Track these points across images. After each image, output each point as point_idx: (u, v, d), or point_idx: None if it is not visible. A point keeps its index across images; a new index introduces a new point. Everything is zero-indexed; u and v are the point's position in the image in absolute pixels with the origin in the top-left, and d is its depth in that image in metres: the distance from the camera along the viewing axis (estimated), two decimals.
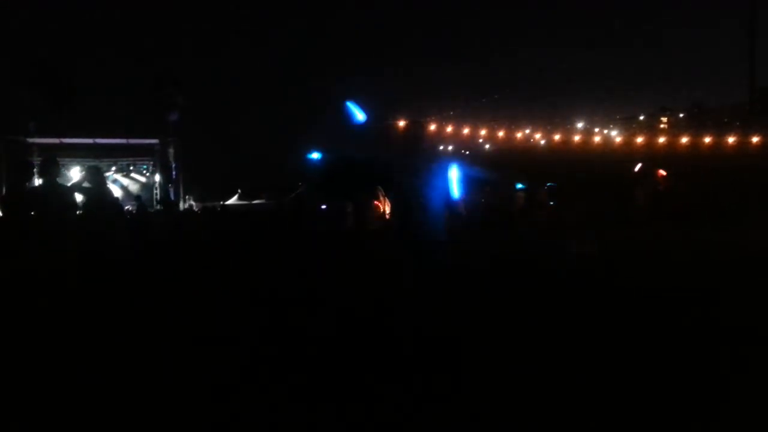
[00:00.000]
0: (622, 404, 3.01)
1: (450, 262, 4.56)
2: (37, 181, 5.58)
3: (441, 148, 25.60)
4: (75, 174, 21.14)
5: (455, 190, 4.28)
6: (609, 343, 4.15)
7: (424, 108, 25.99)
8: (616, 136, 26.21)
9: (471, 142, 26.44)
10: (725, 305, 5.35)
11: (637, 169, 17.78)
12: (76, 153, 23.25)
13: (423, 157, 4.25)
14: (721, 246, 10.41)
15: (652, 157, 22.58)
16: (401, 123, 20.27)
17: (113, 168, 24.65)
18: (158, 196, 23.57)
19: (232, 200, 30.66)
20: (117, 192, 22.18)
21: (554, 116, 26.76)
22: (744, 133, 23.49)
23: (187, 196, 25.91)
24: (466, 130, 26.21)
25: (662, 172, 18.00)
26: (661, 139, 25.31)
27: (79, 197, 5.45)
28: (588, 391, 3.18)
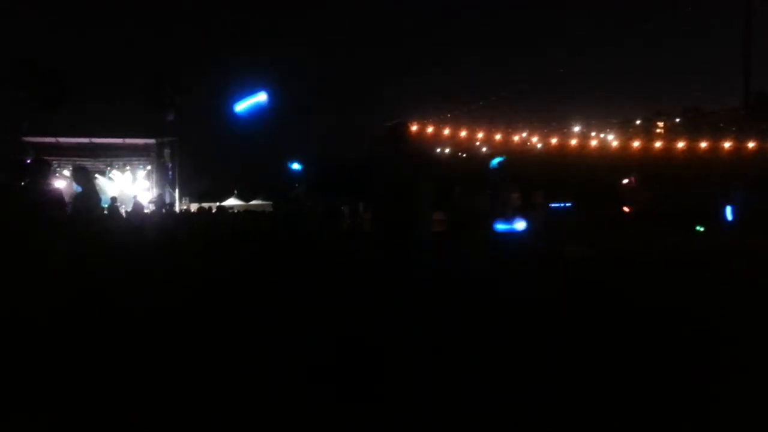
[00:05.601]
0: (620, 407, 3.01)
1: (436, 269, 4.50)
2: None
3: (438, 150, 25.61)
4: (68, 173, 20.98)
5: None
6: (607, 349, 4.15)
7: (421, 110, 25.97)
8: (613, 140, 26.20)
9: (468, 145, 26.46)
10: (713, 311, 5.37)
11: (625, 182, 17.98)
12: (72, 152, 23.13)
13: (406, 161, 4.12)
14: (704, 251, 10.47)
15: (647, 161, 22.61)
16: (385, 125, 20.19)
17: (115, 167, 24.27)
18: (154, 196, 23.46)
19: (229, 201, 30.53)
20: (113, 192, 22.03)
21: (551, 120, 26.80)
22: (739, 138, 23.51)
23: (183, 198, 25.81)
24: (463, 133, 26.24)
25: (632, 179, 18.17)
26: (658, 144, 25.32)
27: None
28: (588, 395, 3.18)
